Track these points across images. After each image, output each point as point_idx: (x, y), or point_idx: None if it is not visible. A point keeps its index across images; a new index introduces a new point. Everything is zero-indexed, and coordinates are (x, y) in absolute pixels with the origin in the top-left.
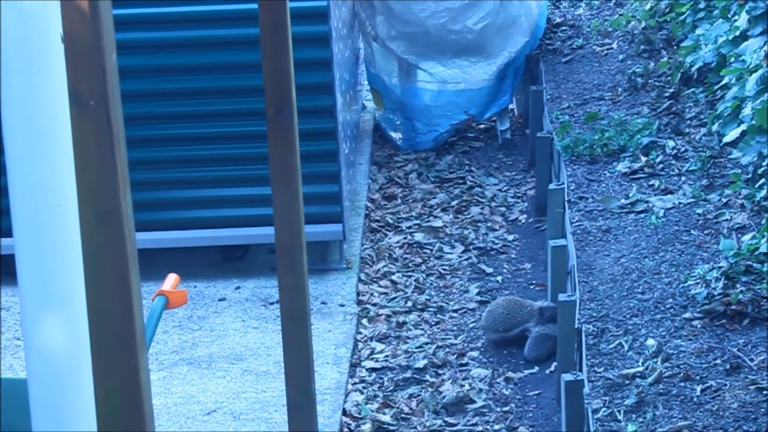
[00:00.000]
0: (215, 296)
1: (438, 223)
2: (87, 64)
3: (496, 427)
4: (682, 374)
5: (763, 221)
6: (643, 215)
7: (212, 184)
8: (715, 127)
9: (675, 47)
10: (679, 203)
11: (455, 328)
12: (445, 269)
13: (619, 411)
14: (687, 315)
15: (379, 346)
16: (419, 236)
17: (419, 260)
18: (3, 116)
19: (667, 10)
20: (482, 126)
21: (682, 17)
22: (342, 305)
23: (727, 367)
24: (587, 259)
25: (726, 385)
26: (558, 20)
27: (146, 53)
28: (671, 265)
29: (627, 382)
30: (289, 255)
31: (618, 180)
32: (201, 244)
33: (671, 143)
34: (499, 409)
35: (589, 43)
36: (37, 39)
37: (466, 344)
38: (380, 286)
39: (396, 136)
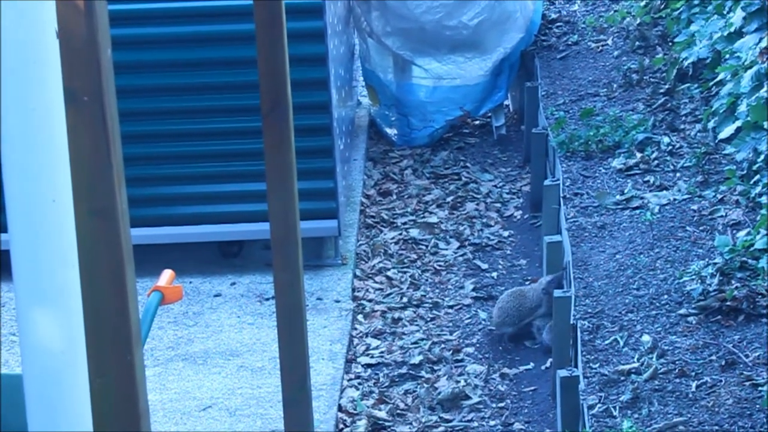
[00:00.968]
0: (210, 292)
1: (433, 219)
2: (82, 60)
3: (492, 423)
4: (677, 370)
5: (758, 217)
6: (638, 211)
7: (207, 179)
8: (710, 124)
9: (670, 43)
10: (674, 199)
11: (450, 324)
12: (440, 265)
13: (614, 407)
14: (682, 311)
15: (374, 342)
16: (414, 232)
17: (414, 256)
18: None
19: (662, 6)
20: (477, 122)
21: (677, 13)
22: (337, 301)
23: (722, 363)
24: (582, 255)
25: (721, 381)
26: (553, 16)
27: (141, 49)
28: (666, 261)
29: (622, 378)
30: (284, 251)
31: (613, 176)
32: (196, 240)
33: (666, 139)
34: (494, 405)
35: (585, 39)
36: (32, 35)
37: (461, 340)
38: (375, 282)
39: (391, 132)
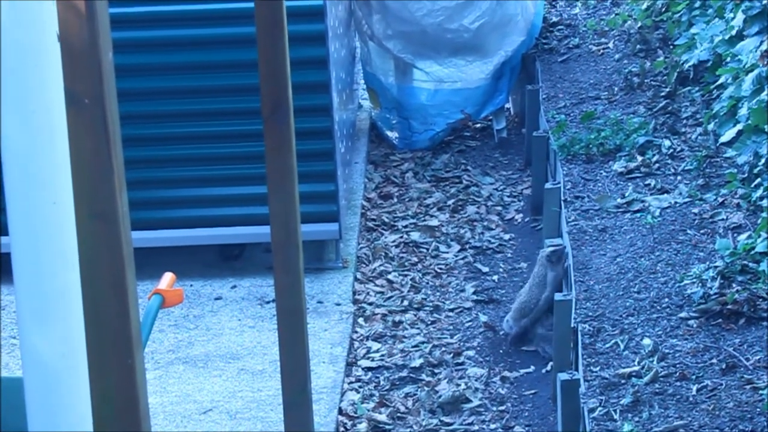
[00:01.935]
0: (211, 295)
1: (434, 222)
2: (83, 63)
3: (492, 426)
4: (678, 374)
5: (759, 221)
6: (639, 215)
7: (208, 183)
8: (711, 127)
9: (671, 47)
10: (675, 203)
11: (451, 327)
12: (441, 268)
13: (615, 410)
14: (683, 314)
15: (375, 345)
16: (415, 235)
17: (415, 259)
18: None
19: (664, 9)
20: (478, 125)
21: (678, 16)
22: (338, 304)
23: (723, 366)
24: (583, 258)
25: (722, 384)
26: (554, 19)
27: (142, 52)
28: (667, 264)
29: (623, 381)
30: (285, 254)
31: (614, 179)
32: (197, 243)
33: (667, 143)
34: (495, 409)
35: (586, 43)
36: (33, 38)
37: (462, 343)
38: (376, 285)
39: (392, 135)
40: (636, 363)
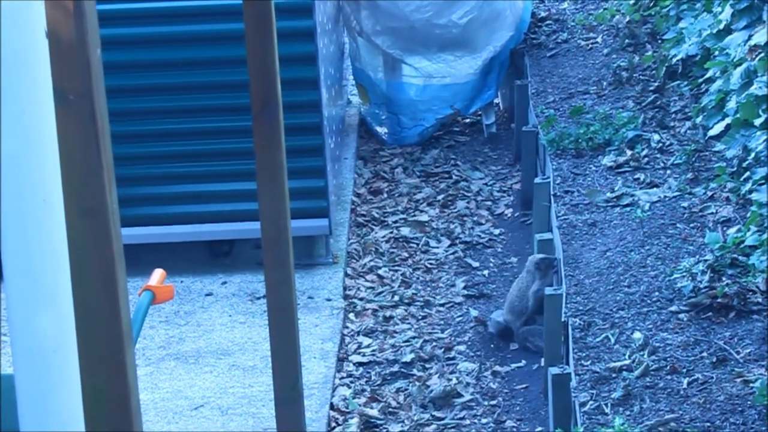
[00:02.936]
0: (202, 291)
1: (424, 218)
2: (71, 60)
3: (484, 420)
4: (668, 367)
5: (748, 214)
6: (628, 209)
7: (198, 179)
8: (699, 121)
9: (660, 41)
10: (665, 197)
11: (442, 322)
12: (431, 263)
13: (606, 404)
14: (673, 308)
15: (366, 341)
16: (405, 231)
17: (406, 255)
18: None
19: (652, 3)
20: (468, 120)
21: (666, 10)
22: (329, 300)
23: (714, 360)
24: (573, 252)
25: (712, 377)
26: (543, 14)
27: (131, 49)
28: (657, 258)
29: (614, 375)
30: (275, 250)
31: (603, 174)
32: (187, 240)
33: (656, 137)
34: (486, 403)
35: (574, 37)
36: (21, 35)
37: (453, 338)
38: (367, 281)
39: (381, 130)
40: (627, 357)
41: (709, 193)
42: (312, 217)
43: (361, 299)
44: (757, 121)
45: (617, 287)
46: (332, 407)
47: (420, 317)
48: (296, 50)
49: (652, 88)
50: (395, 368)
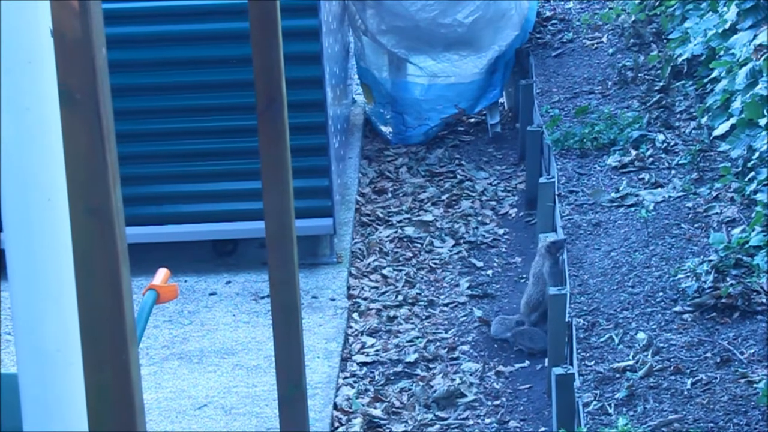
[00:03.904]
0: (206, 291)
1: (428, 217)
2: (77, 59)
3: (487, 420)
4: (672, 367)
5: (753, 214)
6: (633, 209)
7: (202, 178)
8: (704, 121)
9: (665, 41)
10: (669, 197)
11: (446, 322)
12: (435, 263)
13: (609, 404)
14: (677, 308)
15: (369, 341)
16: (410, 230)
17: (410, 254)
18: None
19: (657, 3)
20: (472, 120)
21: (672, 10)
22: (333, 299)
23: (718, 360)
24: (577, 252)
25: (716, 378)
26: (548, 14)
27: (136, 48)
28: (661, 258)
29: (617, 375)
30: (279, 249)
31: (608, 174)
32: (191, 239)
33: (661, 137)
34: (489, 403)
35: (579, 37)
36: (27, 34)
37: (456, 338)
38: (371, 281)
39: (386, 130)
40: (630, 357)
41: (714, 194)
42: (316, 216)
43: (365, 299)
44: (762, 121)
45: (621, 287)
46: (336, 407)
47: (424, 317)
48: (301, 49)
49: (657, 88)
50: (399, 368)
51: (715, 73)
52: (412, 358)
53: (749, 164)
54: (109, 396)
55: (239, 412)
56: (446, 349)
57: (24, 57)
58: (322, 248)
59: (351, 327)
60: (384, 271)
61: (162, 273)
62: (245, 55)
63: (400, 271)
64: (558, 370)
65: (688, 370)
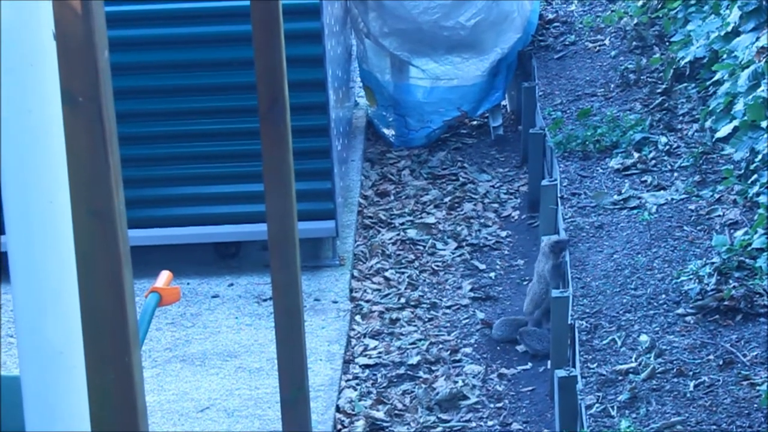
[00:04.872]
0: (208, 293)
1: (431, 220)
2: (79, 62)
3: (490, 423)
4: (675, 370)
5: (756, 217)
6: (635, 211)
7: (205, 180)
8: (707, 123)
9: (667, 43)
10: (672, 199)
11: (448, 324)
12: (438, 266)
13: (612, 407)
14: (680, 311)
15: (372, 343)
16: (412, 233)
17: (412, 257)
18: None
19: (659, 6)
20: (475, 122)
21: (674, 13)
22: (335, 302)
23: (720, 362)
24: (580, 255)
25: (719, 380)
26: (550, 16)
27: (138, 50)
28: (664, 261)
29: (620, 377)
30: (282, 252)
31: (610, 176)
32: (194, 241)
33: (663, 139)
34: (492, 405)
35: (582, 40)
36: (30, 36)
37: (459, 341)
38: (373, 283)
39: (388, 132)
40: (633, 359)
41: (717, 196)
42: (319, 219)
43: (367, 301)
44: (765, 124)
45: (624, 290)
46: (338, 409)
47: (426, 319)
48: (304, 52)
49: (659, 91)
50: (401, 370)
51: (717, 76)
52: (414, 360)
53: (752, 167)
54: (111, 398)
55: (242, 415)
56: (449, 352)
57: (26, 59)
58: (325, 251)
59: (353, 329)
60: (386, 274)
61: (164, 275)
62: (248, 57)
63: (403, 273)
64: (560, 373)
65: (691, 373)
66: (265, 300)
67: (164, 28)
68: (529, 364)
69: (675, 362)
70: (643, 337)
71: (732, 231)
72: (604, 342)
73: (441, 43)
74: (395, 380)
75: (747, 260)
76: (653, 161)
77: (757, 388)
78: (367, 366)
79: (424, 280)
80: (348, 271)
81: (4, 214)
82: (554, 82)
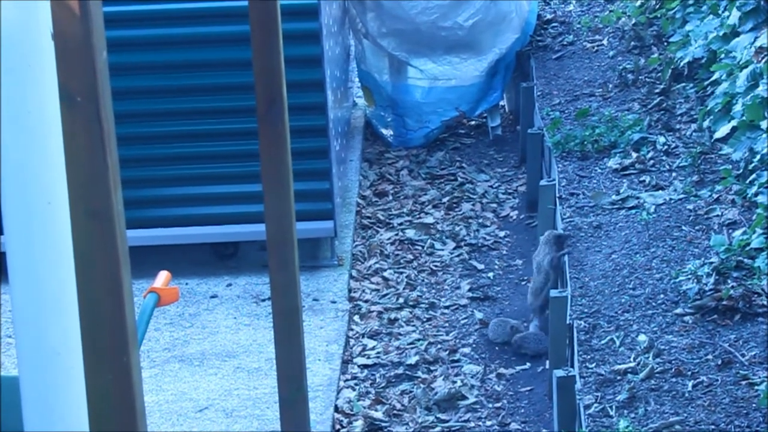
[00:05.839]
0: (207, 293)
1: (429, 220)
2: (77, 62)
3: (488, 423)
4: (673, 370)
5: (754, 217)
6: (634, 211)
7: (203, 181)
8: (705, 123)
9: (665, 43)
10: (670, 199)
11: (447, 324)
12: (436, 266)
13: (610, 407)
14: (678, 310)
15: (370, 343)
16: (411, 233)
17: (411, 257)
18: None
19: (658, 6)
20: (473, 122)
21: (672, 13)
22: (333, 302)
23: (719, 362)
24: (578, 255)
25: (717, 380)
26: (548, 16)
27: (136, 51)
28: (662, 260)
29: (619, 377)
30: (280, 252)
31: (609, 176)
32: (192, 242)
33: (662, 139)
34: (491, 405)
35: (580, 40)
36: (28, 37)
37: (457, 341)
38: (372, 283)
39: (387, 132)
40: (632, 359)
41: (715, 196)
42: (317, 219)
43: (366, 301)
44: (763, 124)
45: (622, 290)
46: (337, 409)
47: (425, 319)
48: (302, 52)
49: (657, 91)
50: (400, 370)
51: (715, 76)
52: (413, 360)
53: (750, 167)
54: (110, 398)
55: (240, 415)
56: (447, 352)
57: (25, 60)
58: (323, 251)
59: (352, 329)
60: (385, 274)
61: (163, 276)
62: (246, 58)
63: (401, 273)
64: (559, 373)
65: (689, 373)
66: (263, 300)
67: (163, 28)
68: (528, 364)
69: (673, 362)
70: (642, 337)
71: (730, 231)
72: (603, 342)
73: (439, 43)
74: (394, 380)
75: (745, 260)
76: (651, 161)
77: (756, 387)
78: (365, 366)
79: (423, 280)
80: (346, 271)
81: (3, 214)
82: (552, 83)
